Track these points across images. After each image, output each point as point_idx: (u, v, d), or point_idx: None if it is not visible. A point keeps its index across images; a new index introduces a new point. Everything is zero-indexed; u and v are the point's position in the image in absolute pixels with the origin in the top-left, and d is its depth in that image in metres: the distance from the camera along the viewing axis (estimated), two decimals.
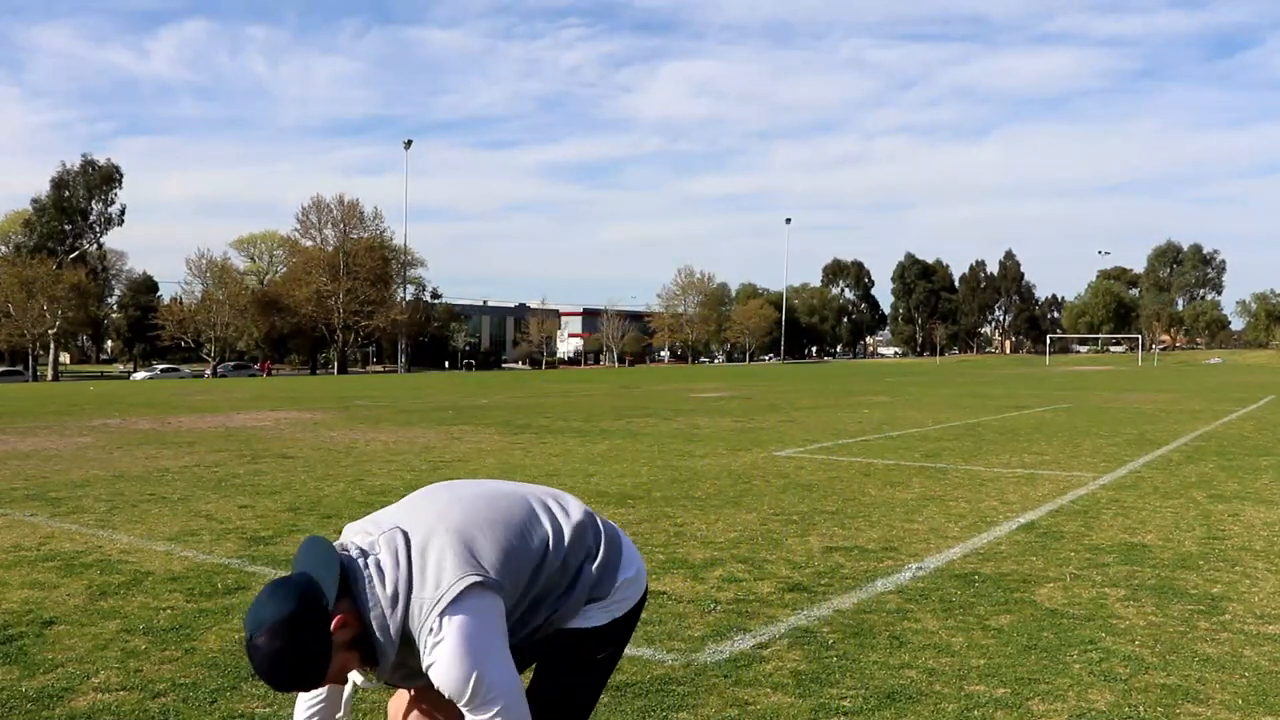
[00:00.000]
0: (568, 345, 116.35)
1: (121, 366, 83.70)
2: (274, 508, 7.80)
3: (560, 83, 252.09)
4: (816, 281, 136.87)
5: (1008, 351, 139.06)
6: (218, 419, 18.14)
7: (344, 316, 77.10)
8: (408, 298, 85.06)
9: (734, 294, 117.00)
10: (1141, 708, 3.55)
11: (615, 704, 3.55)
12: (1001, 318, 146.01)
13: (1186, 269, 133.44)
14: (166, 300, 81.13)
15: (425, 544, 2.10)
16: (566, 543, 2.26)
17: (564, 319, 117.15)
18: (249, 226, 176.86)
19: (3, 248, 75.97)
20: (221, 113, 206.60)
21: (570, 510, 2.34)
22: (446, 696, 2.06)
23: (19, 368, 67.47)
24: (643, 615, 2.78)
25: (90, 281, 69.78)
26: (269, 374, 71.86)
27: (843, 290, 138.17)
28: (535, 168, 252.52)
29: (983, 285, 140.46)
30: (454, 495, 2.27)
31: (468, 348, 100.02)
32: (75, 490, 8.81)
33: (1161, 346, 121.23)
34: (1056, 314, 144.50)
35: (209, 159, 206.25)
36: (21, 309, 63.10)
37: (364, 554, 2.10)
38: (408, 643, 2.06)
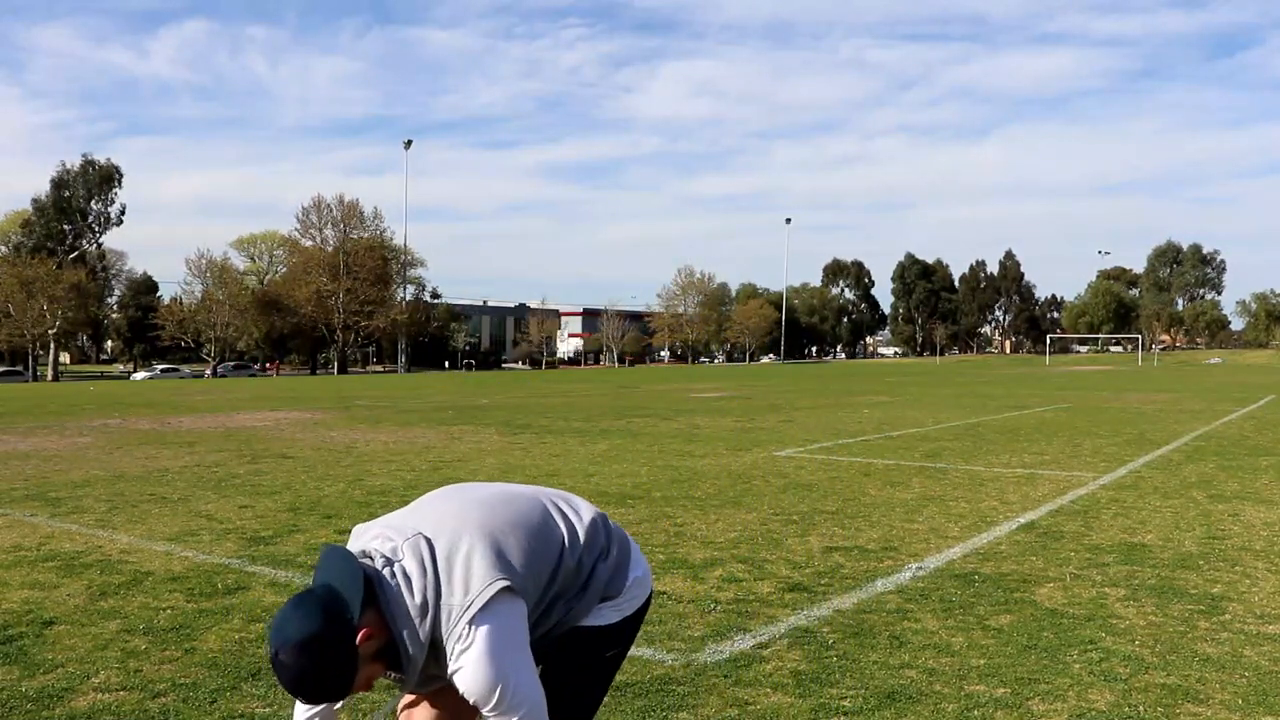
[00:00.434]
0: (568, 345, 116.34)
1: (121, 367, 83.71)
2: (274, 508, 7.80)
3: (560, 83, 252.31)
4: (816, 281, 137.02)
5: (1008, 351, 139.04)
6: (218, 419, 18.14)
7: (344, 316, 77.12)
8: (408, 298, 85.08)
9: (734, 294, 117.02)
10: (1141, 708, 3.55)
11: (615, 704, 3.55)
12: (1001, 318, 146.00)
13: (1186, 269, 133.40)
14: (166, 300, 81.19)
15: (450, 549, 2.10)
16: (581, 543, 2.27)
17: (564, 319, 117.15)
18: (249, 226, 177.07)
19: (3, 248, 75.97)
20: (221, 113, 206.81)
21: (581, 511, 2.36)
22: (471, 702, 2.07)
23: (19, 368, 67.46)
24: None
25: (90, 281, 69.80)
26: (277, 373, 71.98)
27: (843, 290, 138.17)
28: (535, 168, 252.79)
29: (983, 285, 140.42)
30: (471, 498, 2.27)
31: (468, 348, 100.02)
32: (75, 490, 8.81)
33: (1161, 346, 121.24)
34: (1056, 314, 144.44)
35: (209, 159, 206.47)
36: (21, 309, 63.12)
37: (389, 562, 2.09)
38: (435, 649, 2.06)
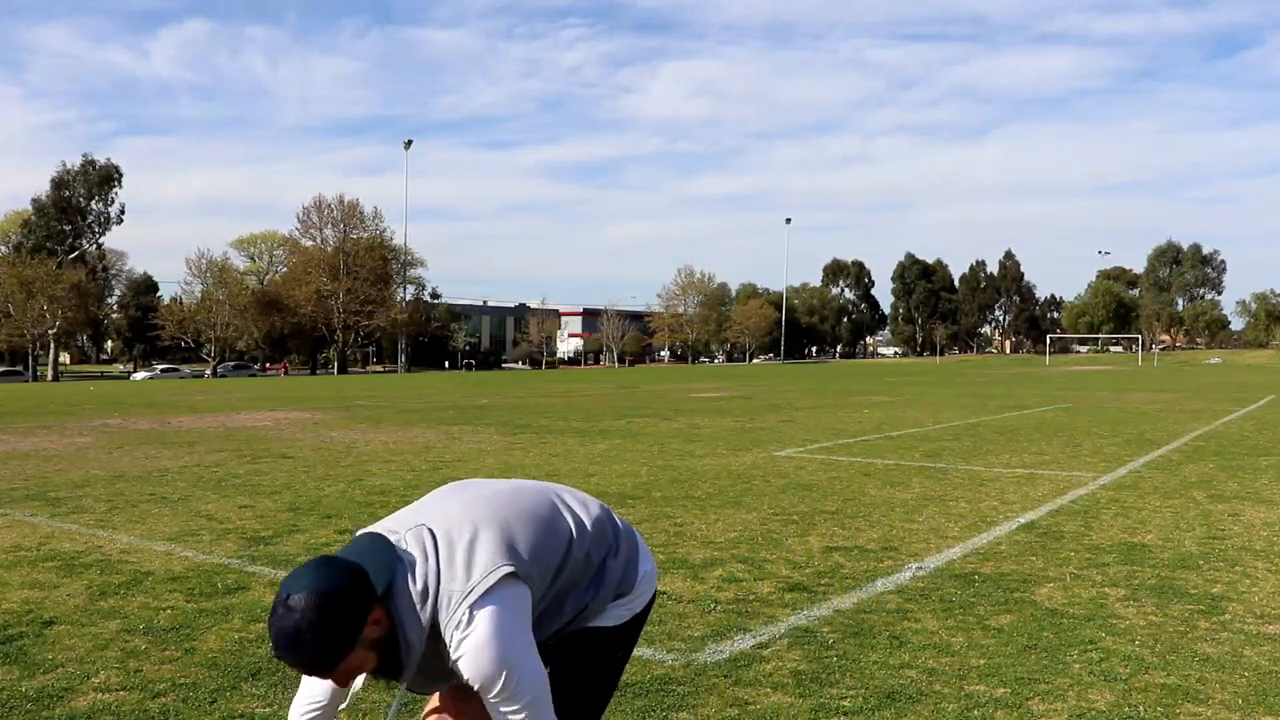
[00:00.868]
0: (568, 345, 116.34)
1: (121, 366, 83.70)
2: (274, 508, 7.80)
3: (560, 83, 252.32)
4: (816, 281, 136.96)
5: (1008, 351, 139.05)
6: (218, 419, 18.14)
7: (344, 316, 77.11)
8: (408, 298, 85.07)
9: (734, 294, 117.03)
10: (1141, 708, 3.55)
11: (615, 704, 3.54)
12: (1001, 318, 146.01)
13: (1186, 269, 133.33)
14: (166, 300, 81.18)
15: (452, 537, 2.08)
16: (590, 537, 2.26)
17: (564, 319, 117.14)
18: (249, 226, 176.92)
19: (3, 248, 75.97)
20: (222, 113, 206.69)
21: (589, 505, 2.35)
22: (475, 689, 2.05)
23: (19, 368, 67.46)
24: None
25: (90, 281, 69.81)
26: (286, 373, 72.02)
27: (843, 290, 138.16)
28: (535, 168, 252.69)
29: (983, 285, 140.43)
30: (475, 493, 2.26)
31: (468, 348, 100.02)
32: (75, 490, 8.81)
33: (1161, 346, 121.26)
34: (1056, 314, 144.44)
35: (209, 159, 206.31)
36: (21, 309, 63.11)
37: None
38: (435, 639, 2.03)
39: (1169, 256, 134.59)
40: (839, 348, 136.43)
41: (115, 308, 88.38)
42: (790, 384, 37.25)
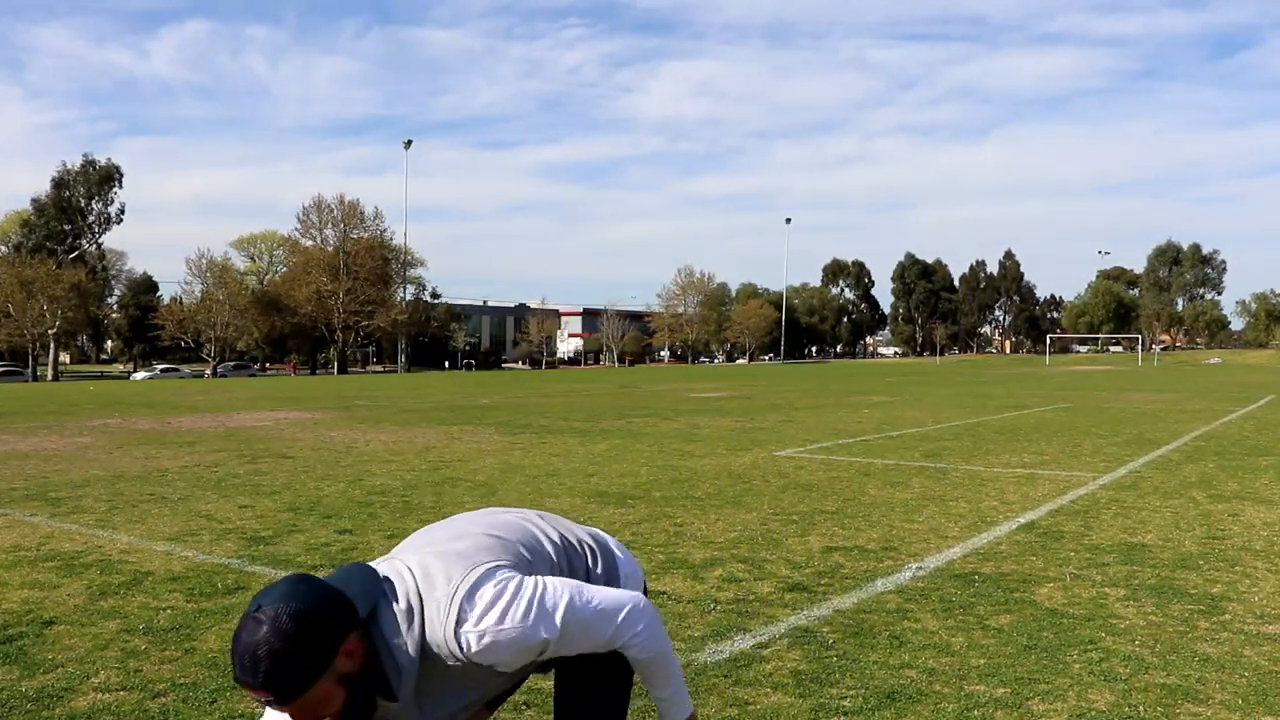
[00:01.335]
0: (568, 345, 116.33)
1: (121, 366, 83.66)
2: (274, 508, 7.80)
3: (561, 83, 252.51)
4: (816, 281, 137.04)
5: (1008, 351, 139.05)
6: (218, 419, 18.14)
7: (344, 316, 77.10)
8: (408, 298, 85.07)
9: (734, 294, 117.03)
10: (1141, 708, 3.55)
11: None
12: (1001, 318, 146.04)
13: (1186, 269, 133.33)
14: (166, 300, 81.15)
15: (425, 562, 1.99)
16: (568, 549, 2.22)
17: (564, 319, 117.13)
18: (249, 226, 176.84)
19: (3, 248, 75.95)
20: (222, 113, 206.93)
21: (559, 523, 2.30)
22: (583, 650, 1.97)
23: (19, 368, 67.45)
24: None
25: (90, 281, 69.76)
26: (294, 372, 72.05)
27: (843, 290, 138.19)
28: (535, 168, 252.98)
29: (983, 285, 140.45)
30: (445, 529, 2.18)
31: (468, 348, 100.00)
32: (75, 490, 8.81)
33: (1161, 346, 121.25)
34: (1056, 314, 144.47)
35: (209, 159, 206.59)
36: (21, 309, 63.10)
37: None
38: (429, 659, 1.90)
39: (1169, 256, 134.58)
40: (839, 348, 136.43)
41: (115, 308, 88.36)
42: (790, 384, 37.24)
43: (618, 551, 2.35)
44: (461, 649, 1.88)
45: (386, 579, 1.95)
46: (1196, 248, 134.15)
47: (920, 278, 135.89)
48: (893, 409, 20.73)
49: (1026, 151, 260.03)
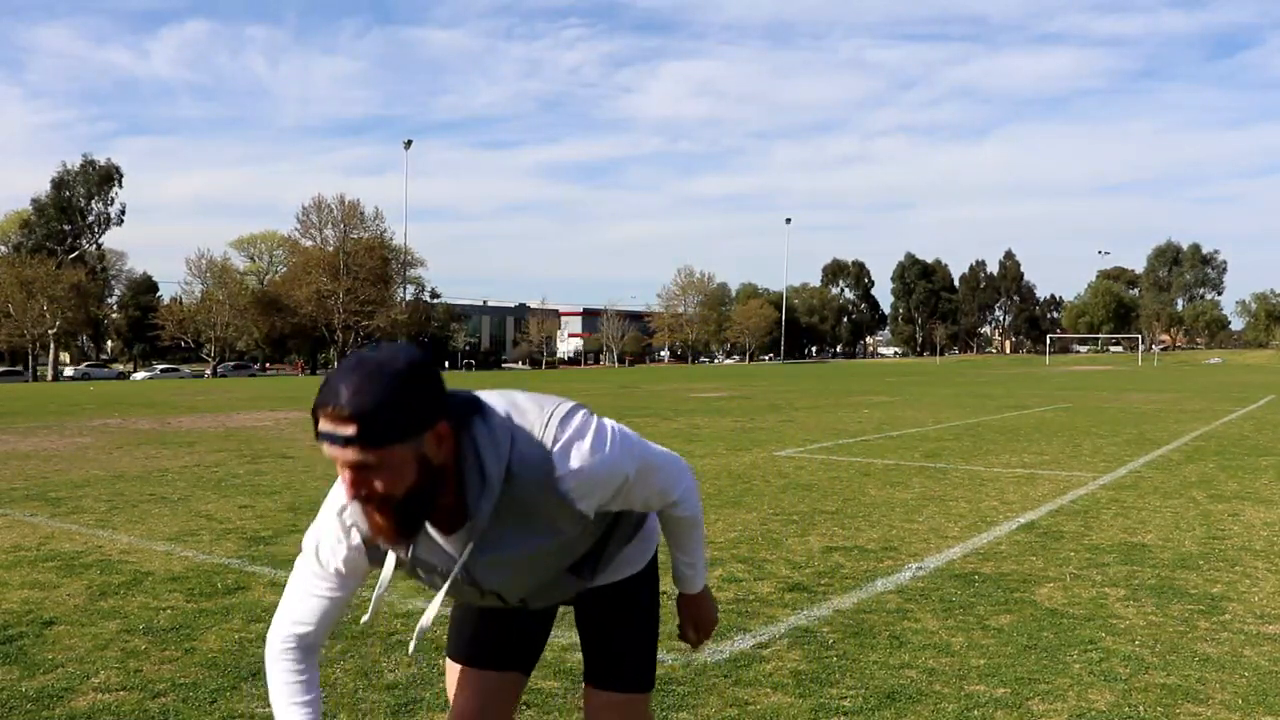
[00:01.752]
0: (568, 345, 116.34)
1: (121, 366, 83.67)
2: (274, 508, 7.80)
3: (561, 83, 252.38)
4: (816, 281, 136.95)
5: (1008, 351, 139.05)
6: (218, 419, 18.14)
7: (344, 316, 77.09)
8: (408, 298, 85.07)
9: (734, 294, 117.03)
10: (1141, 708, 3.55)
11: None
12: (1001, 318, 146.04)
13: (1186, 269, 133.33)
14: (166, 300, 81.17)
15: (510, 396, 1.88)
16: None
17: (564, 319, 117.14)
18: (249, 226, 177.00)
19: (3, 248, 75.96)
20: (222, 113, 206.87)
21: None
22: (640, 502, 2.02)
23: (19, 368, 67.46)
24: None
25: (90, 281, 69.80)
26: (302, 372, 72.06)
27: (843, 290, 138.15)
28: (535, 168, 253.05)
29: (983, 285, 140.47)
30: None
31: (468, 348, 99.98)
32: (75, 490, 8.81)
33: (1161, 346, 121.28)
34: (1056, 314, 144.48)
35: (209, 159, 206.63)
36: (21, 309, 63.11)
37: None
38: (511, 484, 1.75)
39: (1169, 256, 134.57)
40: (839, 348, 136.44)
41: (115, 308, 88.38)
42: (790, 384, 37.24)
43: None
44: (556, 469, 1.76)
45: (478, 398, 1.83)
46: (1196, 248, 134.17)
47: (920, 278, 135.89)
48: (893, 409, 20.72)
49: (1026, 151, 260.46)
